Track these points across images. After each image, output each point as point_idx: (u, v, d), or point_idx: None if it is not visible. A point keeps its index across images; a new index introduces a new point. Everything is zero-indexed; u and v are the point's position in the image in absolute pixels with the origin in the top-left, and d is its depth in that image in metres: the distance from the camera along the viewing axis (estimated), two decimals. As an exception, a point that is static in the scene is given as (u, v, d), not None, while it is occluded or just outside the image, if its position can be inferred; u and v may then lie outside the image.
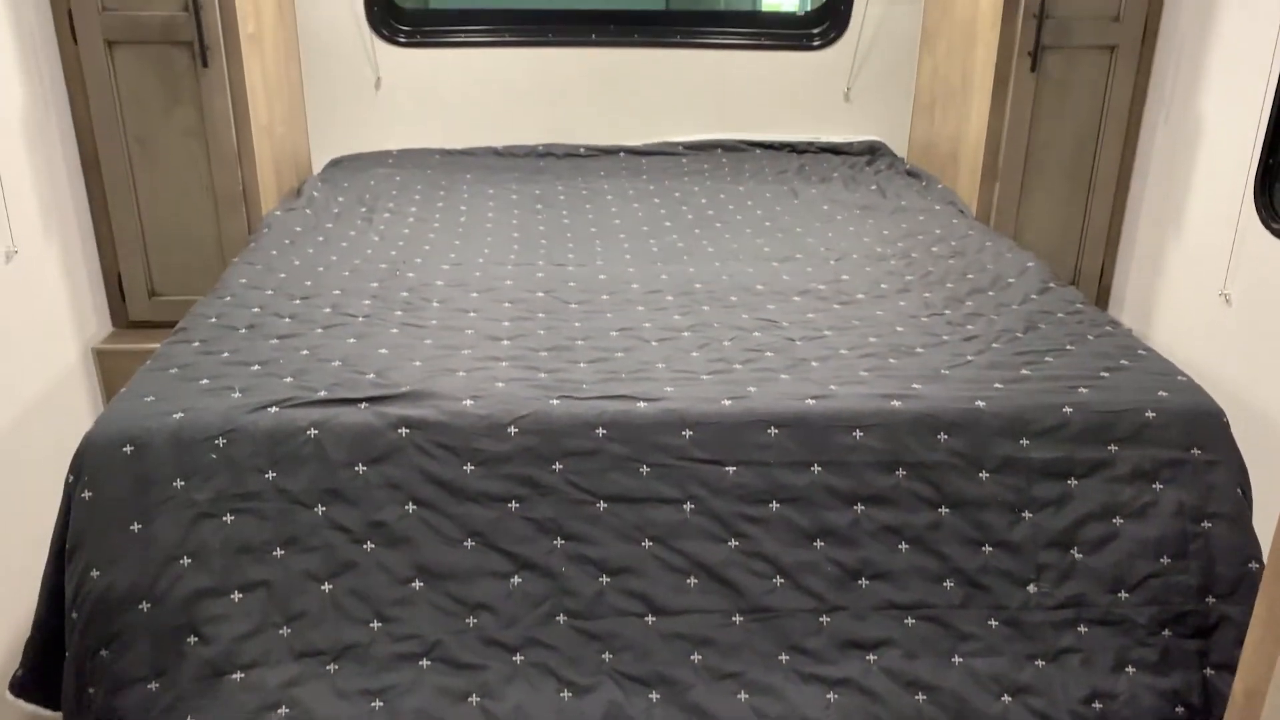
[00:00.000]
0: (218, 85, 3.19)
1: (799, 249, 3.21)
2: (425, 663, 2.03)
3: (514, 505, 2.08)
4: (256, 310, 2.63)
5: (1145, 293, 3.56)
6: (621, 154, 4.32)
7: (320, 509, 2.06)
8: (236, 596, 2.02)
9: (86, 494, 2.02)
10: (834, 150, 4.35)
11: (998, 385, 2.25)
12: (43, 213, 3.05)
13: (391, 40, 4.15)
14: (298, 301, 2.70)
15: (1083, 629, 2.11)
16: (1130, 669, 2.10)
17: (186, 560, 2.01)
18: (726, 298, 2.81)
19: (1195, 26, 3.25)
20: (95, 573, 2.00)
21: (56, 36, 3.11)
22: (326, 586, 2.04)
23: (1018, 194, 3.57)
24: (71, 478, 2.05)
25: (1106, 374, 2.32)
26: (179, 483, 2.04)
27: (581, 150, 4.31)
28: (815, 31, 4.33)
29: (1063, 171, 3.57)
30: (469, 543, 2.07)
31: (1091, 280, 3.72)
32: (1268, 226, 2.89)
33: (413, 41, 4.18)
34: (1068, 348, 2.45)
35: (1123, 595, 2.12)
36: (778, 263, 3.10)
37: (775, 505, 2.09)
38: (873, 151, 4.31)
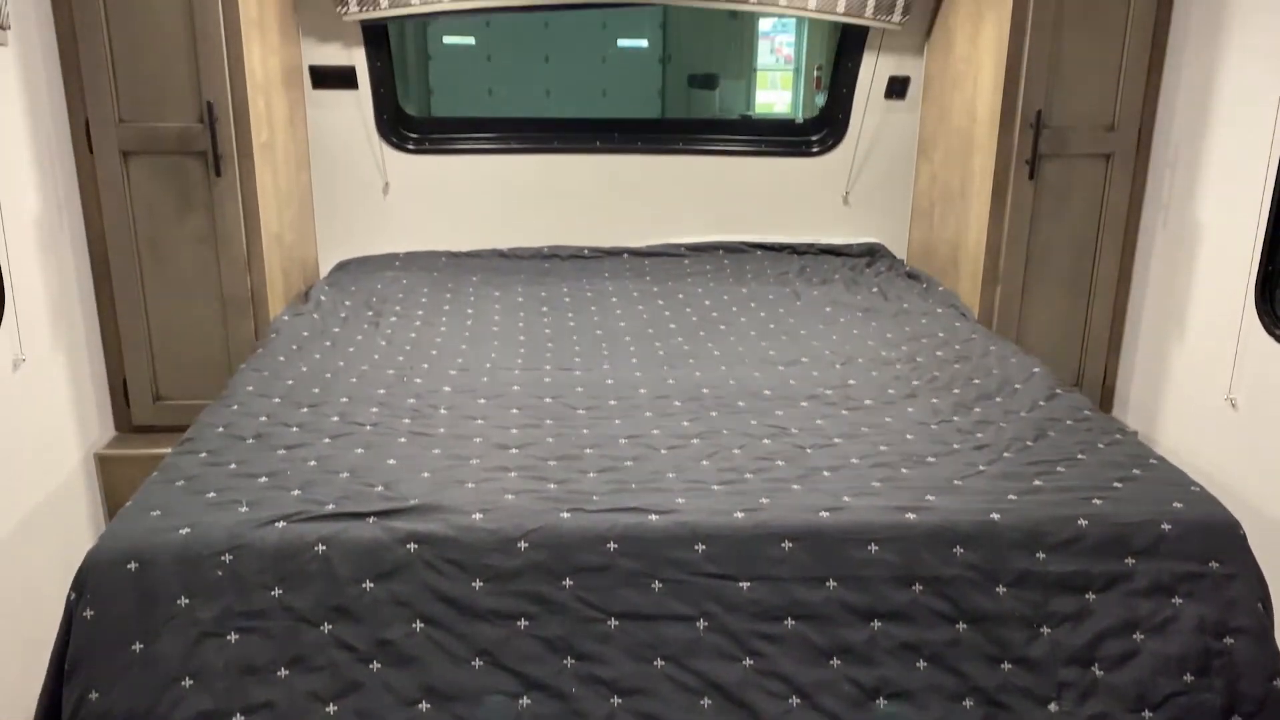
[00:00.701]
0: (229, 193, 3.24)
1: (804, 352, 3.22)
2: (431, 788, 1.96)
3: (523, 623, 2.04)
4: (264, 419, 2.62)
5: (1150, 396, 3.57)
6: (625, 255, 4.37)
7: (326, 627, 2.02)
8: (239, 719, 1.96)
9: (88, 612, 1.98)
10: (834, 252, 4.41)
11: (1011, 497, 2.23)
12: (52, 320, 3.06)
13: (400, 147, 4.23)
14: (305, 410, 2.69)
15: (1108, 750, 2.05)
16: (1158, 792, 2.04)
17: (188, 681, 1.96)
18: (734, 403, 2.80)
19: (1188, 136, 3.33)
20: (94, 694, 1.95)
21: (73, 147, 3.17)
22: (332, 708, 1.99)
23: (1019, 297, 3.60)
24: (73, 595, 2.01)
25: (1119, 484, 2.30)
26: (183, 600, 2.00)
27: (586, 252, 4.37)
28: (814, 138, 4.43)
29: (1063, 276, 3.61)
30: (477, 662, 2.02)
31: (1095, 383, 3.73)
32: (1270, 333, 2.91)
33: (421, 149, 4.27)
34: (1079, 457, 2.44)
35: (1146, 715, 2.07)
36: (784, 366, 3.11)
37: (791, 622, 2.06)
38: (872, 253, 4.37)
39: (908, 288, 3.93)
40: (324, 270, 4.19)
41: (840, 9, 3.91)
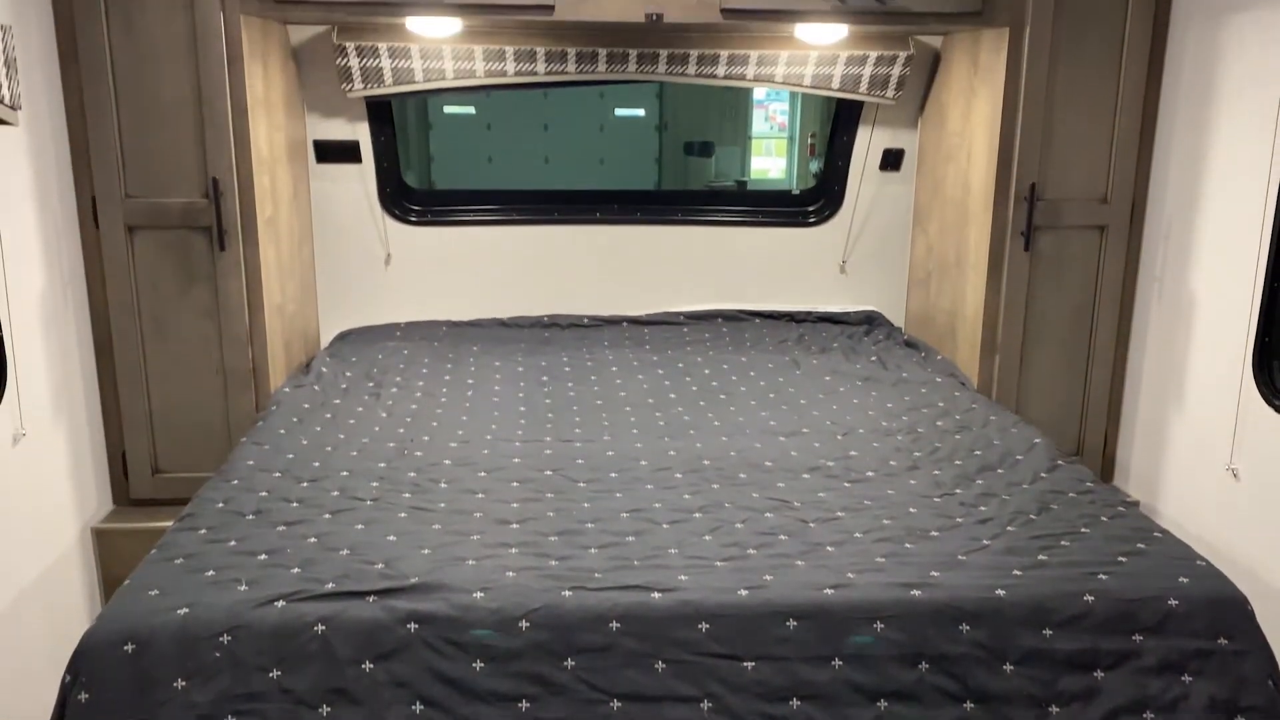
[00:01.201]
0: (233, 267, 3.27)
1: (805, 423, 3.23)
2: None
3: (524, 705, 2.01)
4: (264, 494, 2.61)
5: (1151, 465, 3.57)
6: (624, 324, 4.40)
7: (325, 709, 1.99)
8: (234, 806, 1.92)
9: (83, 696, 1.95)
10: (832, 320, 4.43)
11: (1017, 572, 2.22)
12: (53, 394, 3.06)
13: (402, 219, 4.27)
14: (305, 484, 2.68)
15: (1121, 834, 2.01)
16: None
17: (183, 767, 1.93)
18: (736, 475, 2.80)
19: (1181, 208, 3.37)
20: (87, 782, 1.91)
21: (79, 222, 3.20)
22: (329, 794, 1.95)
23: (1018, 367, 3.62)
24: (68, 677, 1.98)
25: (1124, 559, 2.29)
26: (180, 683, 1.97)
27: (585, 320, 4.39)
28: (811, 209, 4.48)
29: (1061, 345, 3.63)
30: (478, 745, 1.99)
31: (1095, 452, 3.73)
32: (1270, 404, 2.92)
33: (423, 220, 4.31)
34: (1083, 530, 2.43)
35: (1160, 796, 2.03)
36: (785, 437, 3.10)
37: (796, 703, 2.03)
38: (870, 321, 4.39)
39: (906, 356, 3.95)
40: (325, 340, 4.20)
41: (835, 85, 3.99)
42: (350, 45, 3.72)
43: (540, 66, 3.87)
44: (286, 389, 3.43)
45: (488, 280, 4.36)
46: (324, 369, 3.65)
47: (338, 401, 3.38)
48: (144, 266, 3.25)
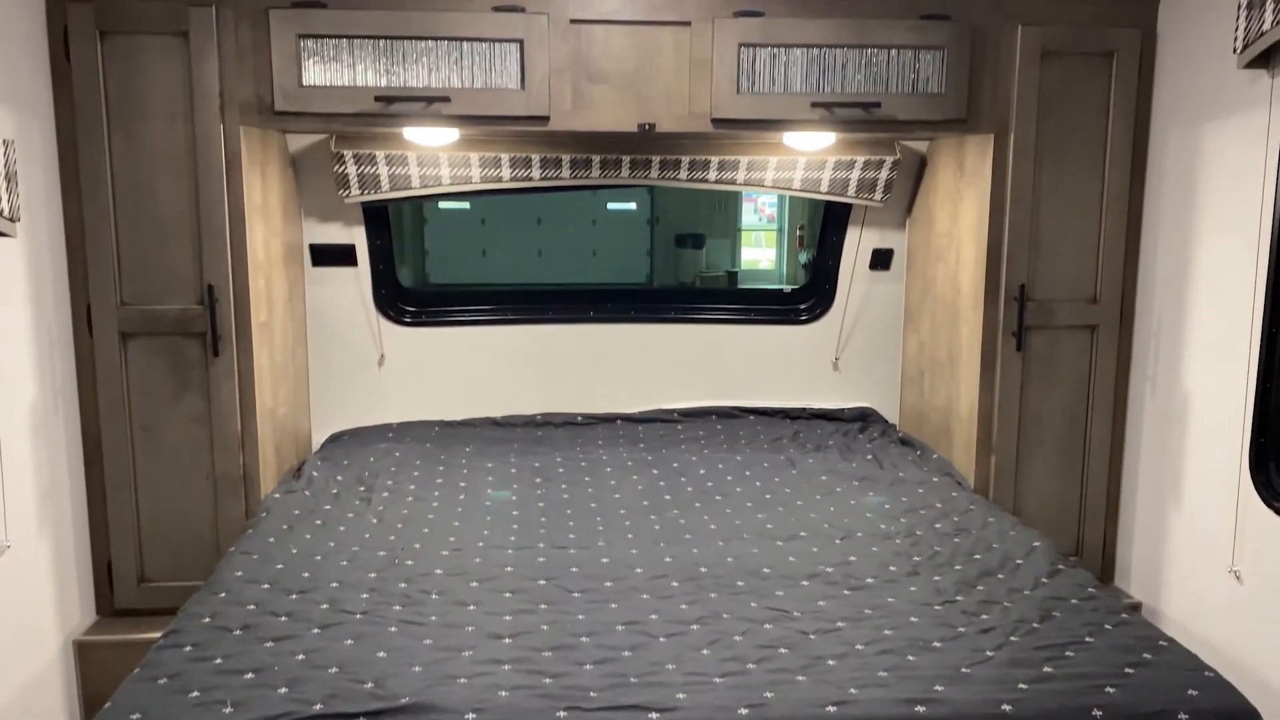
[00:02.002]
0: (226, 373, 3.27)
1: (803, 526, 3.19)
2: None
3: (519, 834, 1.94)
4: (252, 608, 2.55)
5: (1151, 566, 3.53)
6: (618, 422, 4.39)
7: (310, 840, 1.91)
8: None
9: (58, 830, 1.87)
10: (826, 417, 4.43)
11: (1022, 686, 2.17)
12: (39, 505, 3.02)
13: (397, 320, 4.29)
14: (294, 596, 2.63)
15: None
16: None
17: None
18: (733, 583, 2.75)
19: (1171, 308, 3.40)
20: None
21: (73, 330, 3.20)
22: None
23: (1014, 466, 3.60)
24: None
25: (1131, 670, 2.24)
26: (160, 814, 1.90)
27: (579, 419, 4.38)
28: (802, 307, 4.52)
29: (1056, 444, 3.62)
30: None
31: (1095, 552, 3.69)
32: (1269, 505, 2.91)
33: (418, 321, 4.33)
34: (1087, 640, 2.39)
35: None
36: (782, 541, 3.07)
37: (800, 829, 1.96)
38: (864, 418, 4.39)
39: (902, 455, 3.93)
40: (317, 443, 4.18)
41: (824, 188, 4.06)
42: (348, 153, 3.79)
43: (535, 173, 3.94)
44: (277, 495, 3.40)
45: (481, 379, 4.36)
46: (315, 473, 3.62)
47: (328, 507, 3.34)
48: (136, 373, 3.24)
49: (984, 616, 2.53)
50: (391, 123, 3.29)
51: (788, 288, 4.73)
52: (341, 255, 4.16)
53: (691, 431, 4.28)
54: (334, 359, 4.22)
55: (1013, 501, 3.60)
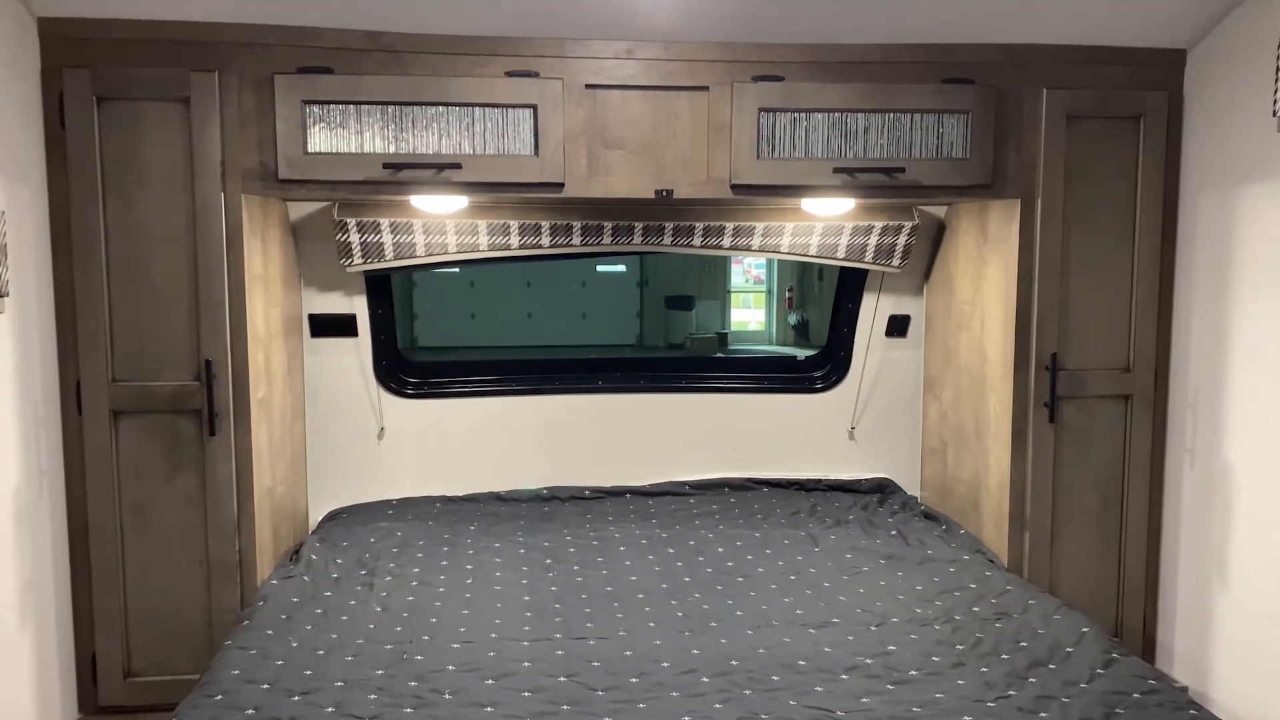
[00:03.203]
0: (222, 452, 3.10)
1: (834, 611, 3.02)
2: None
3: None
4: (251, 712, 2.35)
5: (1197, 649, 3.36)
6: (628, 495, 4.22)
7: None
8: None
9: None
10: (843, 488, 4.28)
11: (1098, 797, 1.99)
12: (20, 596, 2.82)
13: (398, 393, 4.13)
14: (296, 698, 2.43)
15: None
16: None
17: None
18: (768, 678, 2.57)
19: (1208, 377, 3.29)
20: None
21: (61, 409, 3.03)
22: None
23: (1049, 543, 3.45)
24: None
25: (1212, 776, 2.07)
26: None
27: (587, 493, 4.21)
28: (817, 375, 4.39)
29: (1092, 519, 3.47)
30: None
31: (1135, 633, 3.52)
32: (1330, 586, 2.76)
33: (419, 393, 4.17)
34: (1159, 742, 2.21)
35: None
36: (815, 629, 2.89)
37: None
38: (882, 489, 4.24)
39: (927, 530, 3.77)
40: (314, 521, 3.99)
41: (841, 254, 3.96)
42: (351, 221, 3.67)
43: (545, 240, 3.82)
44: (274, 581, 3.20)
45: (484, 453, 4.19)
46: (314, 556, 3.43)
47: (329, 594, 3.14)
48: (127, 453, 3.07)
49: (1042, 715, 2.36)
50: (400, 190, 3.17)
51: (801, 355, 4.60)
52: (341, 326, 4.01)
53: (705, 505, 4.12)
54: (332, 433, 4.05)
55: (1048, 580, 3.44)
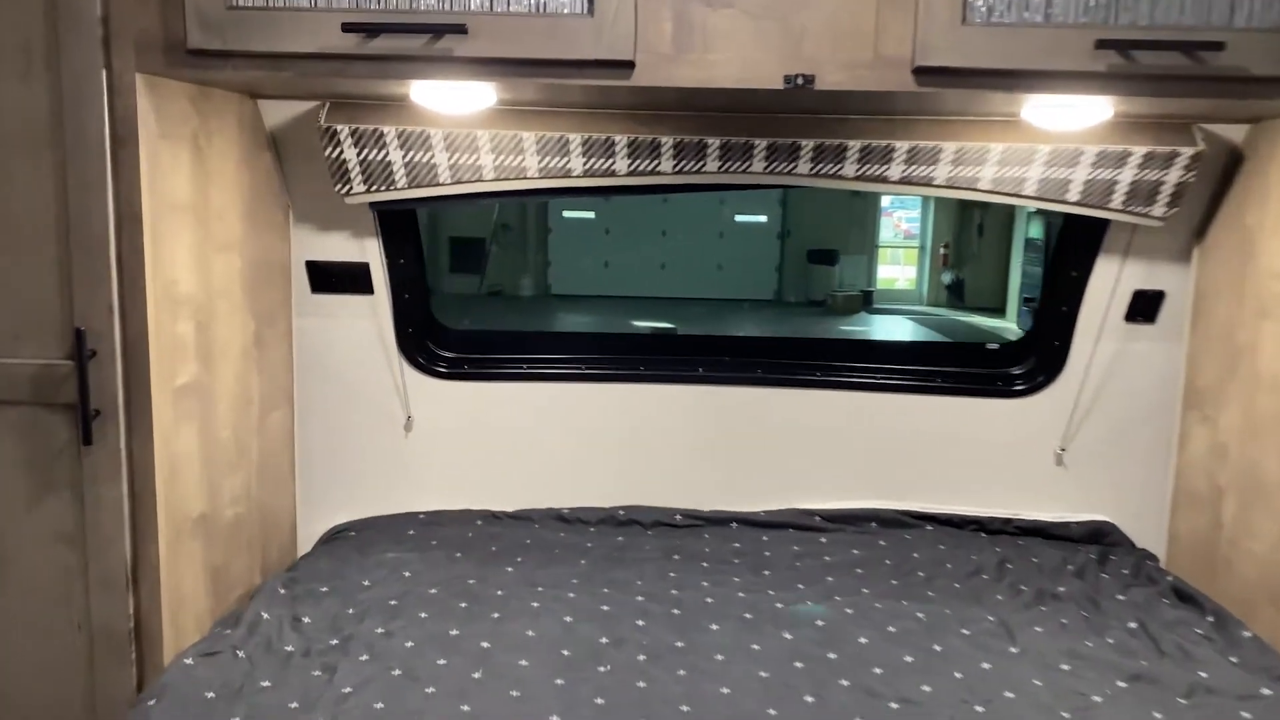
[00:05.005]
0: (107, 467, 2.05)
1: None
2: None
3: None
4: None
5: None
6: (734, 525, 3.06)
7: None
8: None
9: None
10: (1043, 533, 3.02)
11: None
12: None
13: (428, 370, 3.06)
14: None
15: None
16: None
17: None
18: None
19: None
20: None
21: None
22: None
23: None
24: None
25: None
26: None
27: (677, 518, 3.07)
28: (1016, 372, 3.08)
29: None
30: None
31: None
32: None
33: (458, 372, 3.08)
34: None
35: None
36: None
37: None
38: (1099, 538, 2.97)
39: (1185, 624, 2.44)
40: (307, 542, 2.98)
41: (1074, 196, 2.60)
42: (344, 130, 2.55)
43: (620, 164, 2.62)
44: (187, 660, 2.14)
45: (544, 454, 3.11)
46: (265, 613, 2.37)
47: (265, 685, 2.08)
48: (-30, 463, 2.06)
49: None
50: (376, 70, 2.01)
51: (994, 345, 3.27)
52: (350, 279, 2.94)
53: (842, 549, 2.90)
54: (338, 423, 3.02)
55: None
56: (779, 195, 17.66)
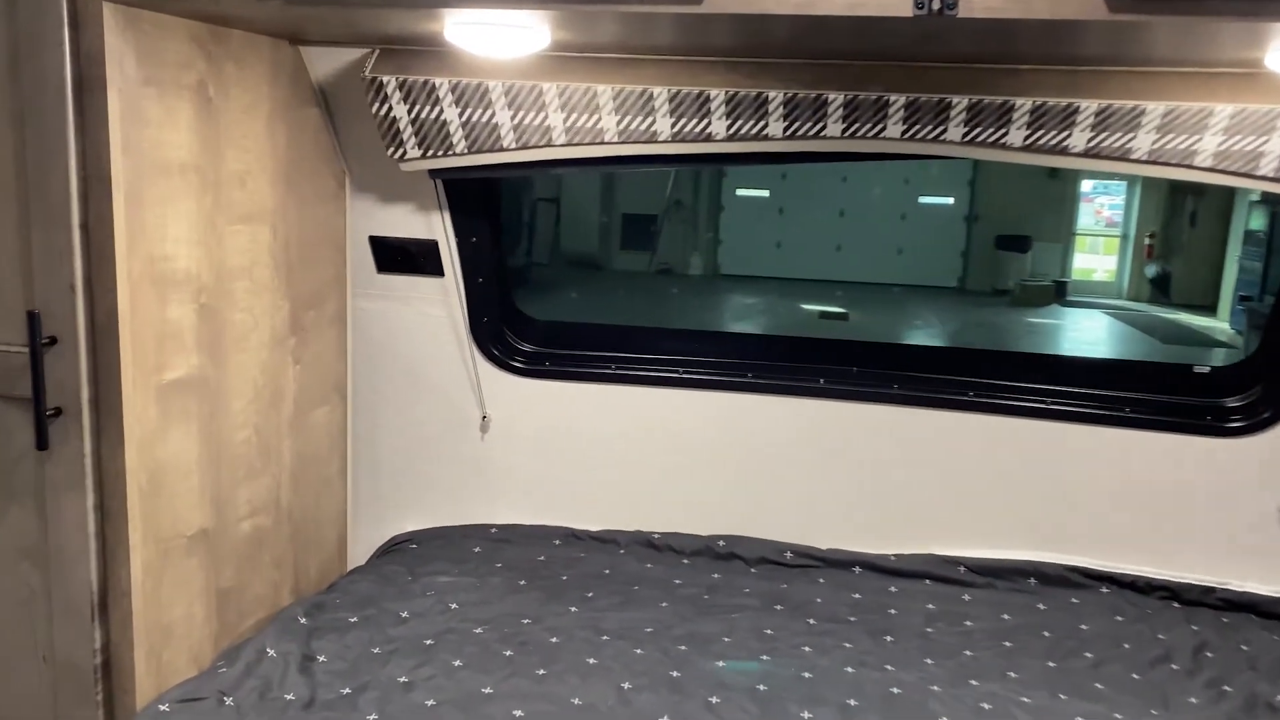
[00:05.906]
0: (68, 474, 1.73)
1: None
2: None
3: None
4: None
5: None
6: (856, 569, 2.60)
7: None
8: None
9: None
10: (1259, 610, 2.43)
11: None
12: None
13: (504, 365, 2.69)
14: None
15: None
16: None
17: None
18: None
19: None
20: None
21: None
22: None
23: None
24: None
25: None
26: None
27: (788, 555, 2.62)
28: (1233, 405, 2.44)
29: None
30: None
31: None
32: None
33: (538, 369, 2.69)
34: None
35: None
36: None
37: None
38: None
39: None
40: (362, 555, 2.65)
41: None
42: (390, 81, 2.15)
43: (718, 125, 2.10)
44: (162, 707, 1.82)
45: (635, 468, 2.71)
46: (271, 650, 2.02)
47: (246, 745, 1.73)
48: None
49: None
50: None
51: (1203, 368, 2.58)
52: (416, 259, 2.57)
53: (989, 613, 2.38)
54: (400, 420, 2.69)
55: None
56: (968, 176, 16.61)
